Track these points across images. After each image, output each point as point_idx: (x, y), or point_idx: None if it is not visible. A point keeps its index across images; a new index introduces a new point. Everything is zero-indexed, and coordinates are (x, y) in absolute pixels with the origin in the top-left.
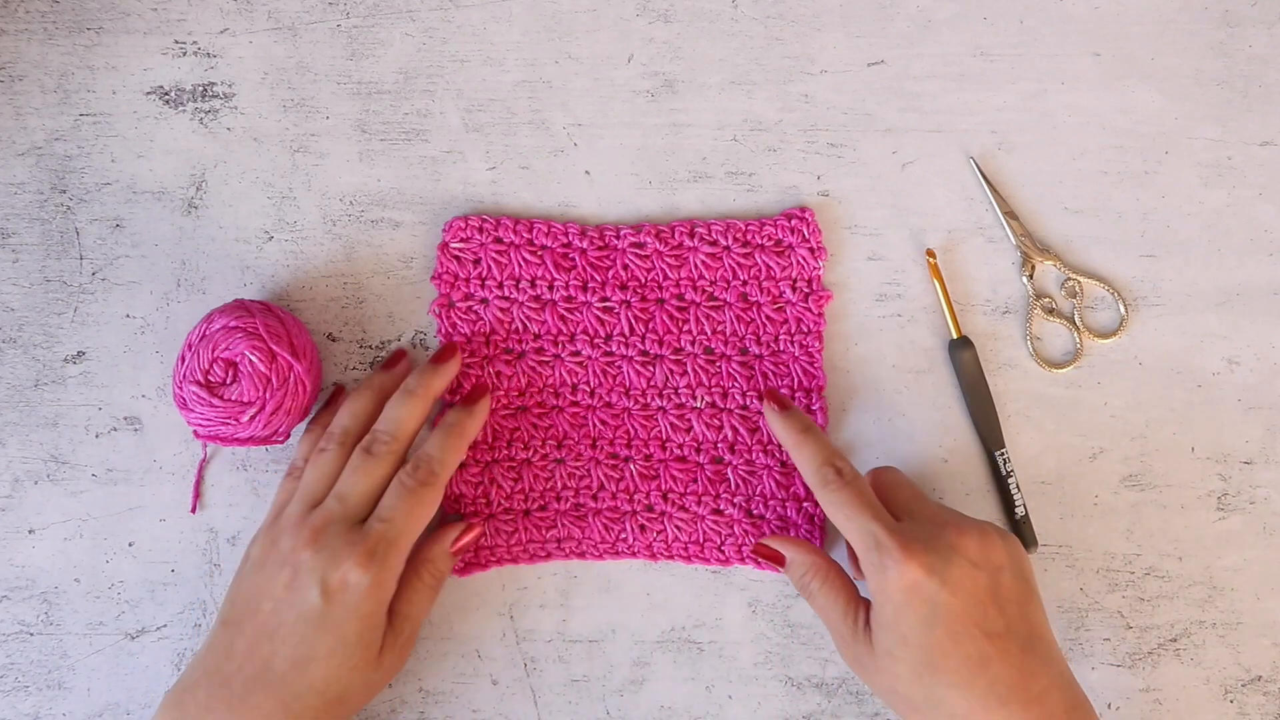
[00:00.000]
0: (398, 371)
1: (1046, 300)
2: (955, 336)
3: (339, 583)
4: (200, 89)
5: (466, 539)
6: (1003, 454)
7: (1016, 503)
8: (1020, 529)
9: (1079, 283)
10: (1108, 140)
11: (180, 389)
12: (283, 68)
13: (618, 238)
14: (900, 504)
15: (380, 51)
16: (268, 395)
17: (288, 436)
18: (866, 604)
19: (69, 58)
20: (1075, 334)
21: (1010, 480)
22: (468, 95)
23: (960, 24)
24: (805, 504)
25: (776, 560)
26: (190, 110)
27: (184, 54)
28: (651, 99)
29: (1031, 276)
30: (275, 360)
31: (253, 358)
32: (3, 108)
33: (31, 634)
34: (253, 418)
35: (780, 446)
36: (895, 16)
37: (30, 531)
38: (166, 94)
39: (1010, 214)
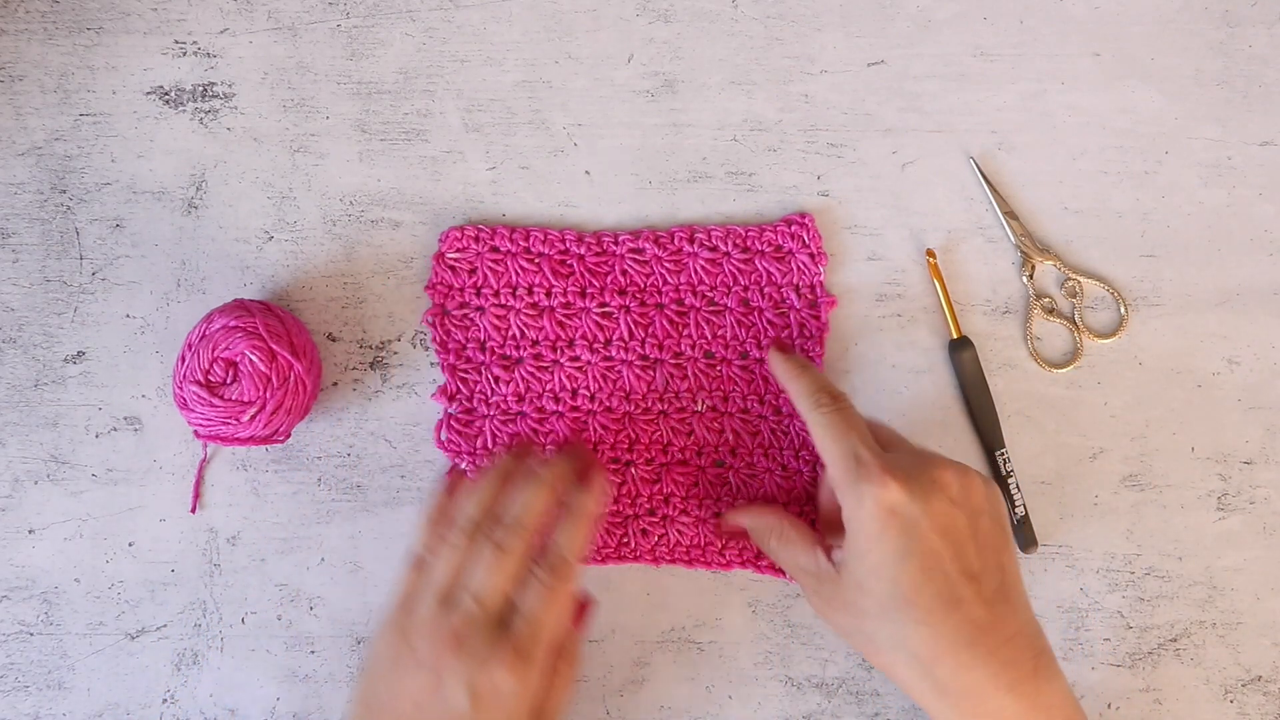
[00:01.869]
0: (523, 459)
1: (1046, 300)
2: (955, 336)
3: (488, 687)
4: (200, 89)
5: (586, 619)
6: (1003, 454)
7: (1016, 503)
8: (1020, 529)
9: (1079, 283)
10: (1108, 140)
11: (180, 389)
12: (283, 68)
13: (616, 244)
14: (884, 439)
15: (380, 51)
16: (268, 395)
17: (288, 436)
18: (829, 546)
19: (69, 58)
20: (1075, 334)
21: (1010, 480)
22: (468, 95)
23: (960, 24)
24: (805, 508)
25: (739, 534)
26: (190, 110)
27: (184, 54)
28: (651, 99)
29: (1031, 276)
30: (275, 360)
31: (253, 357)
32: (3, 108)
33: (31, 634)
34: (253, 417)
35: (782, 450)
36: (895, 16)
37: (30, 531)
38: (166, 94)
39: (1010, 214)
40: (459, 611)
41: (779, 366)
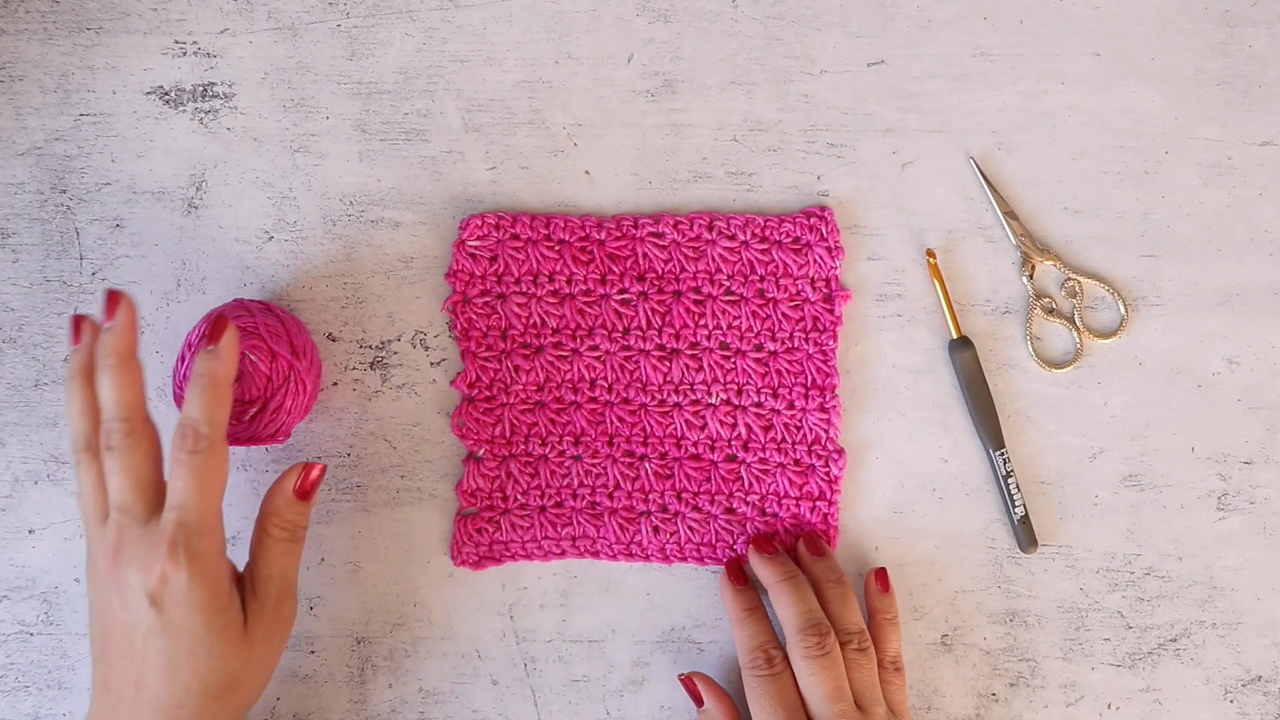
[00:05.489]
0: (84, 346)
1: (1046, 300)
2: (955, 336)
3: (158, 588)
4: (200, 89)
5: (310, 479)
6: (1003, 454)
7: (1016, 503)
8: (1020, 529)
9: (1079, 283)
10: (1108, 140)
11: (180, 389)
12: (283, 68)
13: (635, 227)
14: (833, 613)
15: (380, 51)
16: (268, 395)
17: (288, 436)
18: None
19: (69, 58)
20: (1075, 334)
21: (1010, 480)
22: (468, 95)
23: (960, 24)
24: (819, 503)
25: (695, 699)
26: (190, 110)
27: (184, 54)
28: (651, 99)
29: (1031, 276)
30: (275, 360)
31: (253, 357)
32: (3, 108)
33: (31, 634)
34: (253, 417)
35: (794, 445)
36: (895, 16)
37: (30, 531)
38: (166, 94)
39: (1010, 214)
40: (112, 524)
41: (728, 599)
